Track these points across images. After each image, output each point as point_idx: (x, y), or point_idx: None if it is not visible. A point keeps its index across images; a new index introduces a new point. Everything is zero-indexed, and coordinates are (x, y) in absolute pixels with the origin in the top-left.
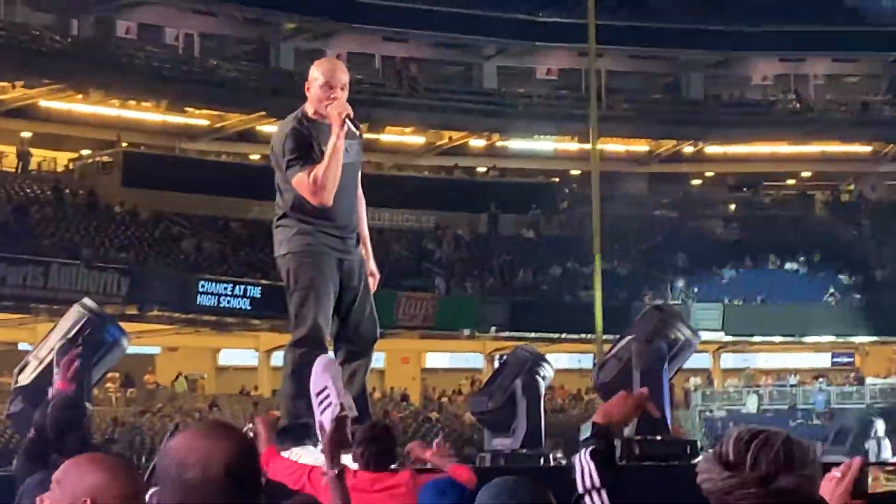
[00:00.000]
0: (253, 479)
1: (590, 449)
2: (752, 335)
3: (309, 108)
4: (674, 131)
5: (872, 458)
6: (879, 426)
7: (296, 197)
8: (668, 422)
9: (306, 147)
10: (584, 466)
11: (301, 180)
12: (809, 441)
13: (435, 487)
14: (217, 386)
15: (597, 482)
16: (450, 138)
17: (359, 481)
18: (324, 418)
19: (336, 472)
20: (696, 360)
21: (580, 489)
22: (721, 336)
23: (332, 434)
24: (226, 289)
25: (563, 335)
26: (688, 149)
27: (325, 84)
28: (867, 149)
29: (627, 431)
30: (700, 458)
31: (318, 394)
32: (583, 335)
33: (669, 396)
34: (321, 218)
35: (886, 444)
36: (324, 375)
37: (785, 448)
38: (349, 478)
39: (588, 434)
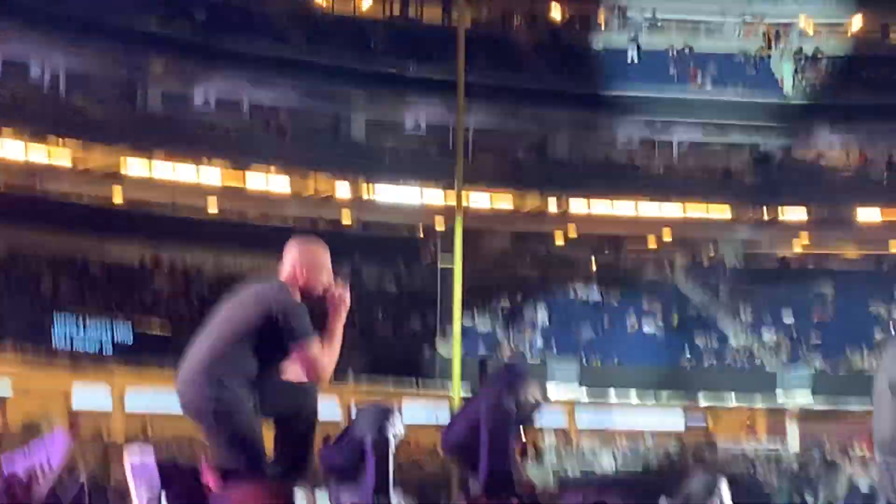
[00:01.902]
0: None
1: None
2: (608, 394)
3: (294, 288)
4: (538, 189)
5: None
6: (725, 490)
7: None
8: (514, 481)
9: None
10: None
11: (317, 352)
12: None
13: None
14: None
15: None
16: (316, 189)
17: None
18: (31, 481)
19: None
20: (552, 419)
21: None
22: (579, 394)
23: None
24: (82, 329)
25: (422, 389)
26: (552, 208)
27: (328, 270)
28: (727, 215)
29: (473, 491)
30: None
31: (43, 465)
32: (441, 390)
33: (522, 454)
34: None
35: None
36: (60, 452)
37: None
38: None
39: None
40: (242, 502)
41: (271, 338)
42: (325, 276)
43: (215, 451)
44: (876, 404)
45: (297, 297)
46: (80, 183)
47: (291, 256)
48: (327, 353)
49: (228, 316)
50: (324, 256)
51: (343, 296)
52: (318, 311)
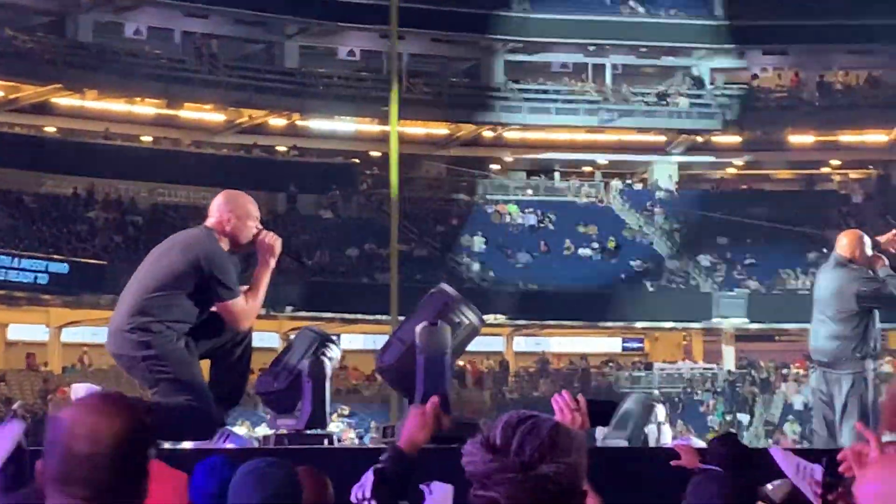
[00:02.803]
0: (139, 457)
1: (377, 467)
2: (545, 318)
3: (222, 237)
4: (473, 115)
5: (652, 444)
6: (660, 411)
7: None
8: (448, 403)
9: (235, 275)
10: (366, 479)
11: (240, 307)
12: (577, 430)
13: (206, 466)
14: (5, 362)
15: (367, 494)
16: (250, 116)
17: None
18: None
19: None
20: (490, 344)
21: (353, 498)
22: (515, 318)
23: None
24: (15, 263)
25: (359, 316)
26: (487, 133)
27: (256, 218)
28: (661, 138)
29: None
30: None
31: None
32: (378, 317)
33: (451, 378)
34: None
35: (666, 429)
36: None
37: (551, 435)
38: None
39: (386, 455)
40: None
41: (198, 285)
42: (253, 225)
43: (158, 398)
44: (813, 320)
45: (224, 246)
46: (11, 115)
47: (219, 205)
48: (251, 303)
49: (154, 264)
50: (251, 206)
51: (272, 245)
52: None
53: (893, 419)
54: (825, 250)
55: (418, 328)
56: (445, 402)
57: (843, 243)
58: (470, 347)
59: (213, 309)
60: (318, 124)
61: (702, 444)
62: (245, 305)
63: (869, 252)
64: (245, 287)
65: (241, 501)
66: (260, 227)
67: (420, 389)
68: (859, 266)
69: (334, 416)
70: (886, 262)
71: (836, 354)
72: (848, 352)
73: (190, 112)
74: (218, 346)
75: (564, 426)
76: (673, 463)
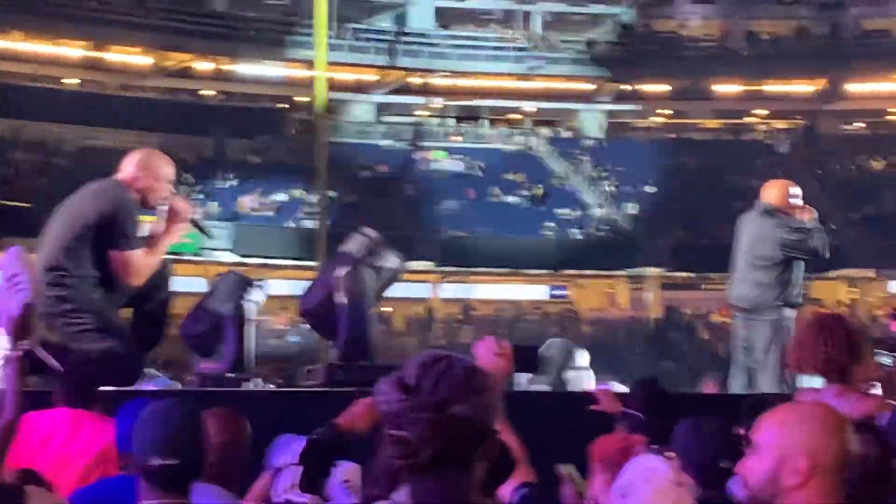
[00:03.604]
0: None
1: (311, 437)
2: (472, 266)
3: (132, 192)
4: (401, 61)
5: (573, 388)
6: (581, 357)
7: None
8: (370, 347)
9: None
10: (295, 445)
11: (136, 259)
12: (490, 371)
13: (127, 409)
14: None
15: (294, 460)
16: (177, 60)
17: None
18: (13, 303)
19: (20, 353)
20: (416, 290)
21: (277, 462)
22: (441, 265)
23: (19, 318)
24: None
25: (287, 261)
26: (415, 79)
27: (170, 182)
28: (589, 86)
29: (332, 356)
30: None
31: (11, 278)
32: (306, 262)
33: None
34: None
35: (588, 374)
36: (17, 262)
37: (465, 375)
38: None
39: (323, 430)
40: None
41: (108, 233)
42: (165, 188)
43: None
44: (734, 268)
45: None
46: None
47: (135, 161)
48: (148, 258)
49: (66, 216)
50: (168, 168)
51: (181, 212)
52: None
53: (795, 358)
54: (750, 199)
55: (340, 271)
56: (367, 346)
57: (770, 192)
58: (396, 294)
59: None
60: (246, 69)
61: (623, 389)
62: (142, 260)
63: (795, 202)
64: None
65: (142, 439)
66: (173, 190)
67: (342, 333)
68: (784, 215)
69: None
70: (815, 213)
71: (756, 302)
72: (769, 299)
73: (117, 55)
74: (136, 293)
75: (479, 367)
76: (592, 407)
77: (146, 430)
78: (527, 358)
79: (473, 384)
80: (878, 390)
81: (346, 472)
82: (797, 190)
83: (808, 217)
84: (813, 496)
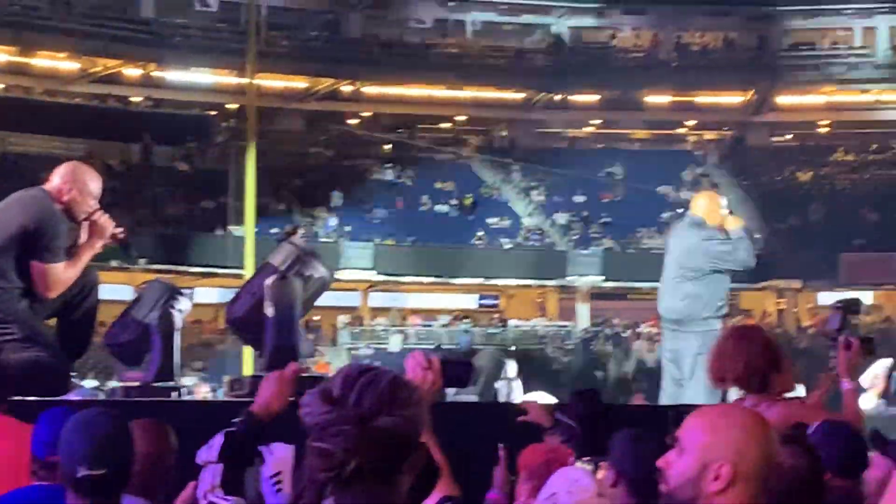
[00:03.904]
0: None
1: (228, 430)
2: (401, 275)
3: (57, 204)
4: (331, 70)
5: (502, 399)
6: (511, 367)
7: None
8: (298, 357)
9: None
10: (215, 441)
11: (56, 273)
12: (415, 382)
13: (47, 417)
14: None
15: (214, 457)
16: (104, 66)
17: None
18: None
19: None
20: (345, 299)
21: (200, 460)
22: (372, 275)
23: None
24: None
25: (215, 269)
26: (346, 88)
27: (96, 197)
28: (521, 95)
29: (259, 367)
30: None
31: None
32: (234, 270)
33: (303, 330)
34: None
35: (517, 385)
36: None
37: (390, 388)
38: None
39: (239, 419)
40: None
41: (32, 244)
42: (92, 202)
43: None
44: (663, 280)
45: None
46: None
47: (63, 173)
48: (68, 272)
49: None
50: (95, 183)
51: (104, 228)
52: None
53: (715, 369)
54: (679, 210)
55: (268, 280)
56: (294, 355)
57: (699, 204)
58: (325, 302)
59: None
60: (174, 75)
61: (552, 400)
62: (61, 273)
63: (723, 214)
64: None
65: (68, 449)
66: (97, 205)
67: (269, 342)
68: (713, 227)
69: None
70: (742, 223)
71: (684, 313)
72: (697, 311)
73: (43, 60)
74: (62, 302)
75: (405, 379)
76: (521, 419)
77: (73, 439)
78: (457, 374)
79: (399, 397)
80: (806, 398)
81: (276, 462)
82: (724, 201)
83: (736, 226)
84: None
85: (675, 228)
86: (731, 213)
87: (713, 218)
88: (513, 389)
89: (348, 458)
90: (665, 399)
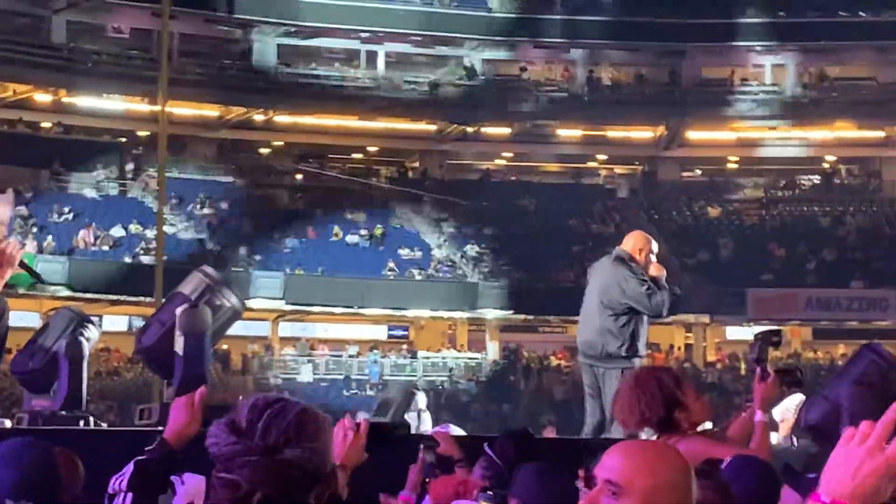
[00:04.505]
0: None
1: (139, 459)
2: (311, 305)
3: None
4: (244, 98)
5: (413, 431)
6: (420, 399)
7: None
8: (208, 386)
9: None
10: (126, 471)
11: None
12: (323, 413)
13: None
14: None
15: (124, 486)
16: (14, 91)
17: None
18: None
19: None
20: (255, 328)
21: (111, 489)
22: (281, 305)
23: None
24: None
25: (123, 297)
26: (258, 117)
27: (4, 224)
28: (433, 127)
29: (168, 395)
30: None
31: None
32: (143, 298)
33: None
34: None
35: (427, 417)
36: None
37: (297, 419)
38: None
39: (151, 447)
40: None
41: None
42: (1, 229)
43: None
44: (583, 313)
45: None
46: None
47: None
48: None
49: None
50: (3, 208)
51: (12, 256)
52: None
53: (618, 417)
54: (590, 243)
55: (178, 310)
56: (204, 384)
57: (628, 241)
58: (235, 332)
59: None
60: (85, 101)
61: (461, 431)
62: None
63: (652, 257)
64: None
65: None
66: (5, 233)
67: (179, 371)
68: (637, 266)
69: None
70: (664, 273)
71: (602, 349)
72: (615, 348)
73: None
74: None
75: (313, 411)
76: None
77: (1, 469)
78: (380, 435)
79: (306, 428)
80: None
81: (187, 493)
82: (655, 246)
83: (658, 274)
84: None
85: (600, 262)
86: (657, 261)
87: (641, 258)
88: (423, 421)
89: (255, 489)
90: (586, 433)
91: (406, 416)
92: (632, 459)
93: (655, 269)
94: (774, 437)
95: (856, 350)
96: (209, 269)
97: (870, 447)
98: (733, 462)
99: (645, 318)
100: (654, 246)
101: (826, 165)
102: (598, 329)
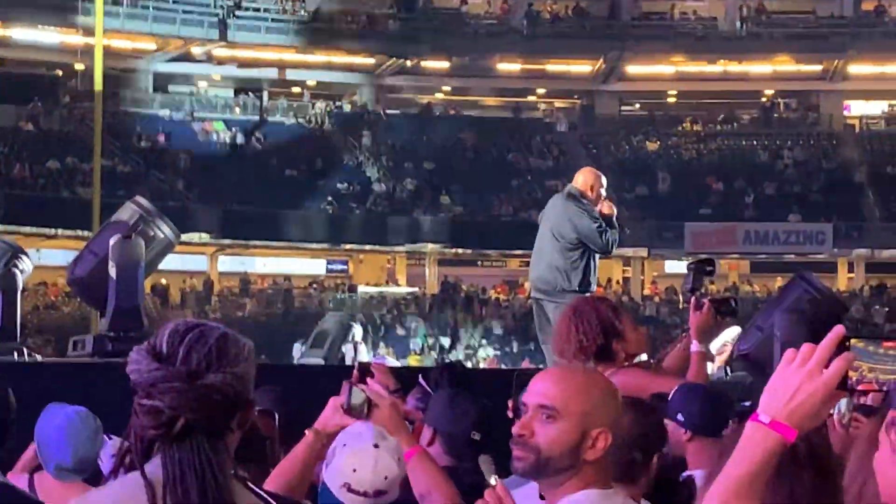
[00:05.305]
0: None
1: None
2: (250, 239)
3: None
4: (181, 31)
5: (349, 362)
6: (357, 331)
7: None
8: (141, 318)
9: None
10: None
11: None
12: (245, 339)
13: None
14: None
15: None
16: None
17: None
18: None
19: None
20: (194, 263)
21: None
22: (219, 240)
23: None
24: None
25: (60, 231)
26: (196, 49)
27: None
28: (370, 60)
29: (102, 327)
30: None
31: None
32: (80, 232)
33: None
34: None
35: (363, 348)
36: None
37: (218, 344)
38: None
39: None
40: None
41: None
42: None
43: None
44: (535, 250)
45: None
46: None
47: None
48: None
49: None
50: None
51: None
52: None
53: (556, 347)
54: (529, 177)
55: (111, 240)
56: (137, 317)
57: (579, 178)
58: (173, 266)
59: None
60: (20, 34)
61: (395, 363)
62: None
63: (602, 191)
64: None
65: None
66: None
67: (112, 302)
68: (588, 203)
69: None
70: (614, 211)
71: (553, 284)
72: (565, 283)
73: None
74: None
75: (234, 336)
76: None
77: None
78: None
79: (227, 353)
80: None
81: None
82: (604, 181)
83: (607, 212)
84: (601, 473)
85: (554, 199)
86: (607, 198)
87: (592, 195)
88: (359, 352)
89: (177, 414)
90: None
91: (342, 348)
92: (564, 383)
93: (607, 208)
94: (710, 368)
95: (788, 280)
96: (143, 200)
97: (809, 370)
98: (680, 389)
99: (596, 254)
100: (604, 182)
101: (764, 99)
102: (549, 265)
